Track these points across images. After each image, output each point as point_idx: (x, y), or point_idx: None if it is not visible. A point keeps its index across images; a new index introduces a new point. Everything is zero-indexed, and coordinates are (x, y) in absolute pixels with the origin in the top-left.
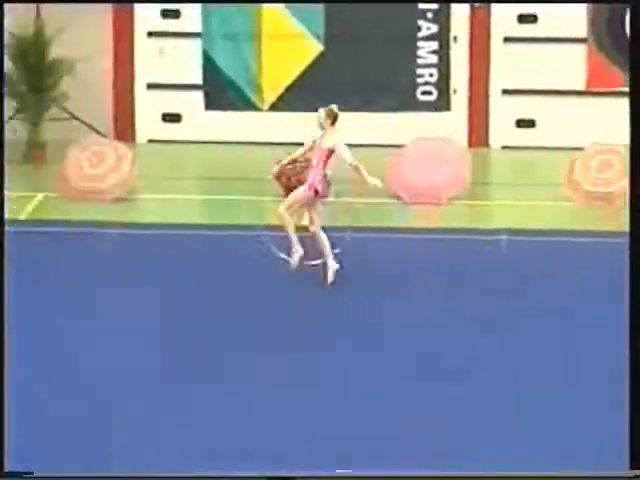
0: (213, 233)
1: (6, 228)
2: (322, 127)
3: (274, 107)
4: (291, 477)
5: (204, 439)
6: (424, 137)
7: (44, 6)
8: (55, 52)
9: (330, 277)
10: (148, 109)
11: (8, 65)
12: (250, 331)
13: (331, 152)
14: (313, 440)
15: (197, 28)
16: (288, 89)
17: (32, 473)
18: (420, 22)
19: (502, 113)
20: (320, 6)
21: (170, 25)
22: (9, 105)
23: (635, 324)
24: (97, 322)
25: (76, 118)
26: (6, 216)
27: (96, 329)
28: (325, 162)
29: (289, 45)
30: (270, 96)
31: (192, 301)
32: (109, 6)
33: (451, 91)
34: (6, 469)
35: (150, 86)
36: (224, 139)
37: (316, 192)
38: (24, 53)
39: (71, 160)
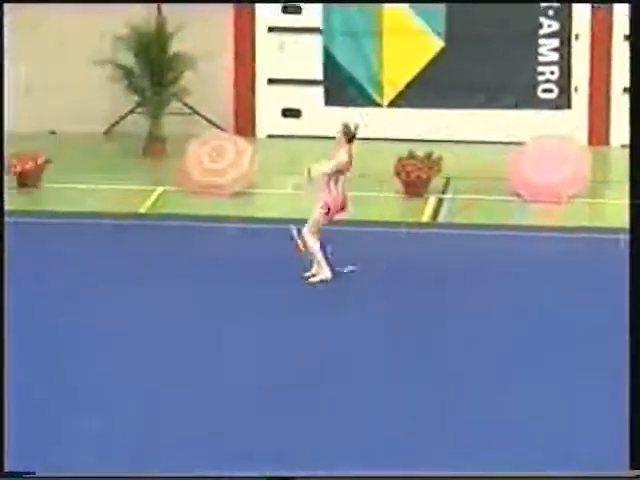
0: (331, 228)
1: (128, 221)
2: (338, 142)
3: (394, 103)
4: (291, 477)
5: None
6: (544, 135)
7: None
8: (176, 47)
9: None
10: (268, 104)
11: (130, 59)
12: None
13: (339, 170)
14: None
15: (318, 24)
16: (408, 85)
17: (33, 473)
18: (542, 19)
19: (623, 111)
20: (442, 4)
21: (291, 21)
22: (130, 99)
23: (635, 323)
24: (217, 316)
25: (197, 113)
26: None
27: (217, 323)
28: (334, 180)
29: (410, 41)
30: (390, 92)
31: (311, 294)
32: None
33: (572, 89)
34: (6, 469)
35: (270, 81)
36: None
37: (328, 210)
38: (146, 48)
39: (191, 154)
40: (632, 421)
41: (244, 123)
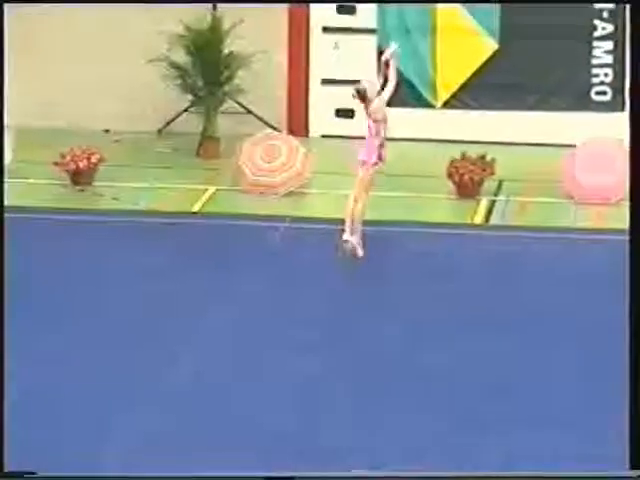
0: (383, 229)
1: (181, 219)
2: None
3: (448, 105)
4: (291, 477)
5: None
6: (596, 137)
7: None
8: (231, 46)
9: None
10: (322, 104)
11: (184, 58)
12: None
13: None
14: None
15: (372, 24)
16: (462, 87)
17: (34, 473)
18: (596, 22)
19: None
20: (496, 4)
21: (345, 20)
22: (184, 98)
23: (635, 324)
24: (268, 314)
25: (250, 112)
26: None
27: (269, 320)
28: (371, 133)
29: (464, 43)
30: (444, 94)
31: (355, 295)
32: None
33: (626, 92)
34: (6, 469)
35: (324, 81)
36: (397, 135)
37: (364, 161)
38: (200, 46)
39: (244, 154)
40: (632, 421)
41: (297, 123)
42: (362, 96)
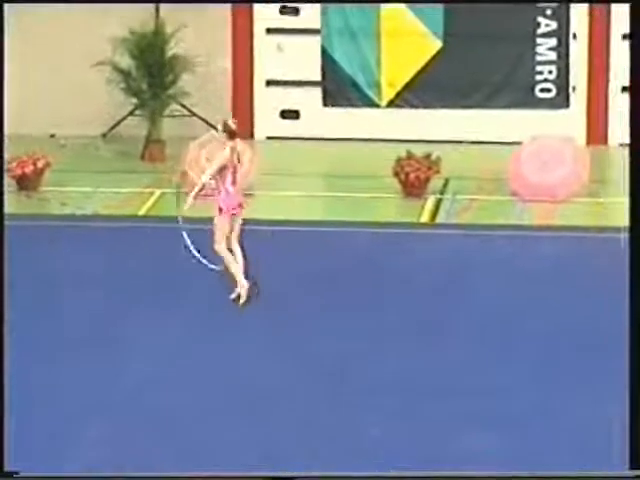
0: (329, 230)
1: (126, 223)
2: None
3: (392, 104)
4: (291, 477)
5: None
6: (542, 134)
7: (163, 4)
8: (174, 49)
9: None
10: (267, 106)
11: (128, 62)
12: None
13: (223, 167)
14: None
15: (316, 25)
16: (407, 86)
17: (32, 473)
18: (539, 19)
19: (621, 110)
20: (439, 5)
21: (289, 22)
22: (129, 101)
23: (635, 324)
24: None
25: (195, 115)
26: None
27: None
28: (221, 179)
29: (408, 42)
30: (389, 93)
31: (299, 298)
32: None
33: (570, 88)
34: (6, 469)
35: (269, 83)
36: (342, 136)
37: (220, 210)
38: (144, 50)
39: (190, 157)
40: (632, 421)
41: (243, 125)
42: (230, 132)
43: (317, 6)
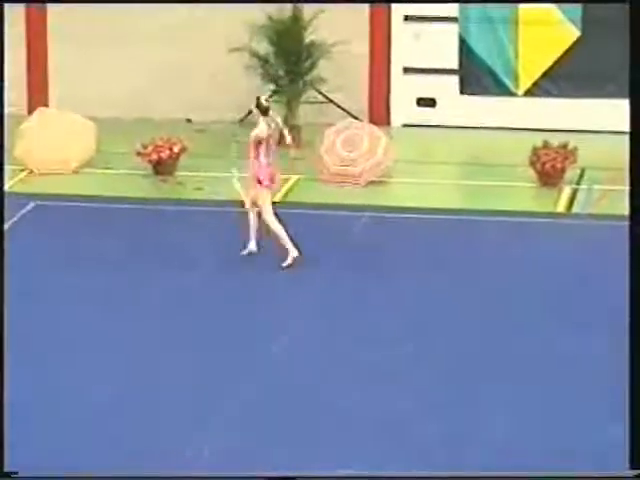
0: (464, 218)
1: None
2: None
3: (529, 93)
4: (291, 477)
5: None
6: None
7: None
8: (312, 36)
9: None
10: (403, 93)
11: (266, 48)
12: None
13: (258, 141)
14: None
15: (454, 12)
16: (544, 75)
17: (31, 473)
18: None
19: None
20: None
21: (427, 9)
22: (266, 87)
23: (635, 323)
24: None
25: (331, 101)
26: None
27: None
28: (256, 151)
29: (546, 31)
30: (526, 82)
31: (441, 284)
32: None
33: None
34: (6, 469)
35: (406, 70)
36: (478, 124)
37: (259, 182)
38: (281, 36)
39: (326, 143)
40: (632, 421)
41: (379, 112)
42: (264, 109)
43: None
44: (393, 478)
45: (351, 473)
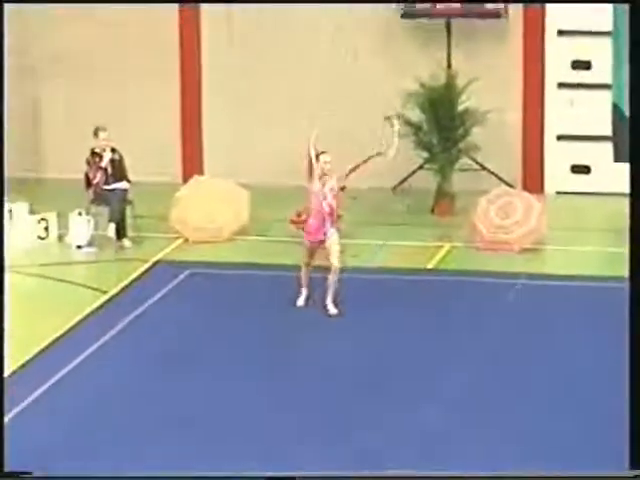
0: (622, 285)
1: (417, 277)
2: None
3: None
4: (291, 477)
5: None
6: None
7: (455, 57)
8: (466, 103)
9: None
10: (557, 160)
11: (418, 115)
12: None
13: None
14: None
15: (607, 79)
16: None
17: (31, 473)
18: None
19: None
20: None
21: (580, 76)
22: (419, 155)
23: (634, 325)
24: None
25: (485, 169)
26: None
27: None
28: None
29: None
30: None
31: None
32: None
33: None
34: (6, 469)
35: (560, 137)
36: None
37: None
38: (435, 103)
39: (480, 211)
40: (632, 421)
41: (533, 179)
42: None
43: (609, 60)
44: (393, 478)
45: (351, 473)
